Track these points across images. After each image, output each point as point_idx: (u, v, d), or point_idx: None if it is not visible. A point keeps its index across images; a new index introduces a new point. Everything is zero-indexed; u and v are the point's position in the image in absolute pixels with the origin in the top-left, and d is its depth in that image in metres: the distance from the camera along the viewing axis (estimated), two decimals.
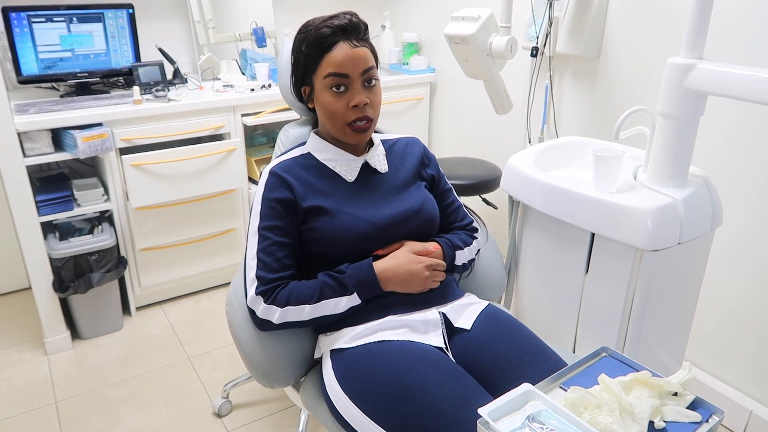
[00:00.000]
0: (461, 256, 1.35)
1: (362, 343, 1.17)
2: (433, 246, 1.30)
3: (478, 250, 1.44)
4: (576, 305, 1.47)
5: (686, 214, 1.29)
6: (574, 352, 1.50)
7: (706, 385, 1.86)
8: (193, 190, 2.34)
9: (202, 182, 2.34)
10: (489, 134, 2.70)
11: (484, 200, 2.38)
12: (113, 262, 2.24)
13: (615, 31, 1.99)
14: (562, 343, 1.53)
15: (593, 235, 1.39)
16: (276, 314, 1.19)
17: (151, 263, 2.41)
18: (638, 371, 0.95)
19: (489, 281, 1.51)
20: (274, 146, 2.73)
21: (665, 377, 0.93)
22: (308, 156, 1.32)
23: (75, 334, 2.32)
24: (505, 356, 1.14)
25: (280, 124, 3.02)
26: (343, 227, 1.23)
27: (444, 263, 1.29)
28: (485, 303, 1.30)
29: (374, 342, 1.16)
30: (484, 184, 2.32)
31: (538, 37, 2.06)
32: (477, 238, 1.43)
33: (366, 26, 1.26)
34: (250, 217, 1.27)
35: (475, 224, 1.45)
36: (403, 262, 1.23)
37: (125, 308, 2.46)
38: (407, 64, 2.95)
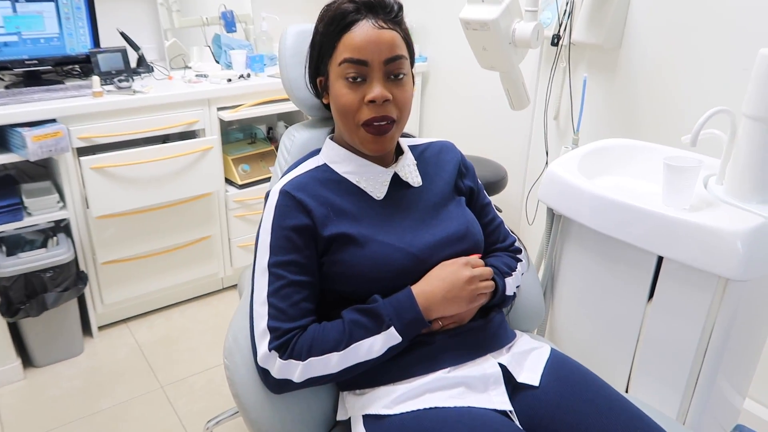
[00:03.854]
0: (510, 285, 1.12)
1: (409, 410, 0.93)
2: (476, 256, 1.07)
3: (521, 274, 1.21)
4: (632, 338, 1.27)
5: None
6: (627, 392, 1.31)
7: None
8: (164, 195, 2.12)
9: (174, 186, 2.12)
10: (487, 129, 2.53)
11: None
12: (71, 279, 1.97)
13: (639, 18, 1.82)
14: (610, 380, 1.33)
15: (660, 258, 1.19)
16: (297, 371, 0.94)
17: (115, 277, 2.17)
18: None
19: (526, 309, 1.29)
20: (252, 143, 2.52)
21: None
22: (325, 168, 1.07)
23: (27, 361, 2.04)
24: (589, 424, 0.92)
25: (261, 119, 2.80)
26: (377, 260, 0.98)
27: (489, 269, 1.05)
28: (547, 348, 1.08)
29: (425, 409, 0.93)
30: (490, 185, 2.12)
31: (561, 24, 1.85)
32: (521, 261, 1.20)
33: (400, 6, 1.02)
34: (255, 251, 1.00)
35: (517, 244, 1.22)
36: (437, 272, 1.01)
37: (86, 329, 2.19)
38: None
